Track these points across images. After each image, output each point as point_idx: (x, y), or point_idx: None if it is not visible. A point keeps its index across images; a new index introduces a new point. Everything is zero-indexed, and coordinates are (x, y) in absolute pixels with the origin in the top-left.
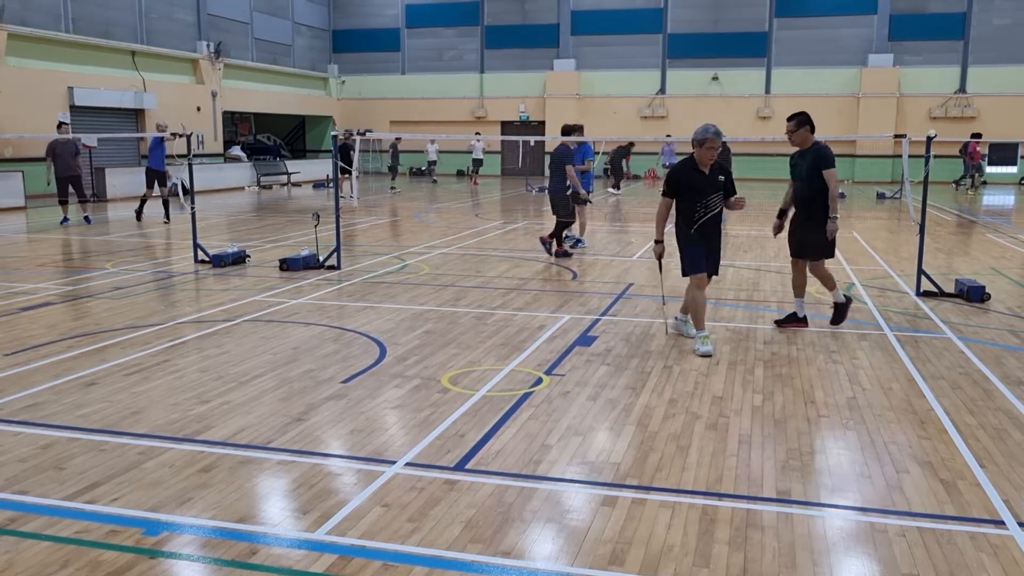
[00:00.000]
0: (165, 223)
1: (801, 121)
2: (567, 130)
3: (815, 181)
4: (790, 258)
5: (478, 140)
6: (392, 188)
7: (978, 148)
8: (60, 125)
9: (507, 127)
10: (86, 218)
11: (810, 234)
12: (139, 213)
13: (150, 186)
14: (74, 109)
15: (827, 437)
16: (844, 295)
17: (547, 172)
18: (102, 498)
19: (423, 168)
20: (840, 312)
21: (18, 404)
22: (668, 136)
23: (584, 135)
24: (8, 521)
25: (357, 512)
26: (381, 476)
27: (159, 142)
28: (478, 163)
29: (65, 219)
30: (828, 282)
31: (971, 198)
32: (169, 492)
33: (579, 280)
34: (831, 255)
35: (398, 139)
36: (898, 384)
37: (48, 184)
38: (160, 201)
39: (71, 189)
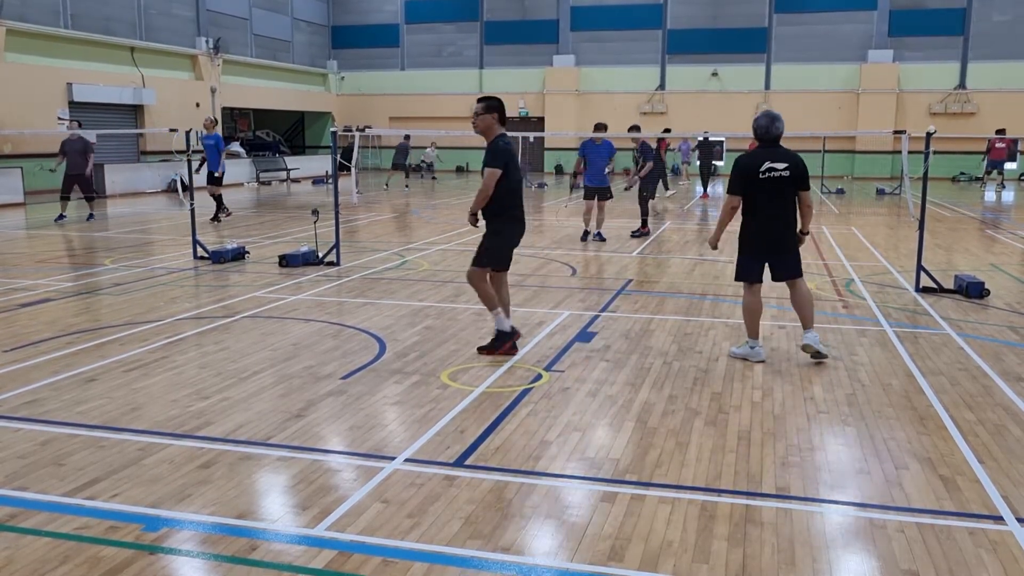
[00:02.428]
0: (214, 221)
1: (490, 106)
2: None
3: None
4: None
5: None
6: (406, 187)
7: (998, 144)
8: (69, 123)
9: (506, 123)
10: (89, 216)
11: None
12: (216, 216)
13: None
14: (73, 105)
15: (826, 433)
16: (511, 326)
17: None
18: (102, 494)
19: (420, 165)
20: (494, 342)
21: (17, 400)
22: (668, 130)
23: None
24: (8, 517)
25: (357, 508)
26: (381, 472)
27: (213, 141)
28: None
29: (61, 216)
30: (489, 300)
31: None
32: (169, 488)
33: (578, 276)
34: (500, 265)
35: (407, 137)
36: (897, 380)
37: (51, 171)
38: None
39: (76, 187)
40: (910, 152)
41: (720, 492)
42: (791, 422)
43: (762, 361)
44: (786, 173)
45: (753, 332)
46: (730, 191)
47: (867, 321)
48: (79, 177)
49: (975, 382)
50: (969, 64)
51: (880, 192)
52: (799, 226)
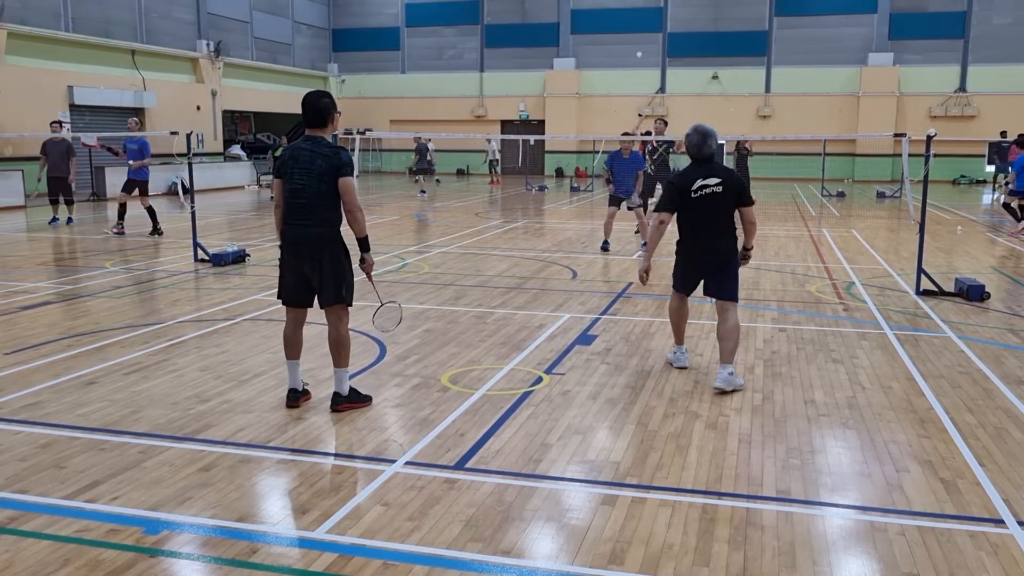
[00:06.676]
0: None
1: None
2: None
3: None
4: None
5: (491, 142)
6: (422, 192)
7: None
8: (52, 123)
9: (507, 126)
10: (69, 220)
11: (324, 268)
12: (121, 220)
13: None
14: (74, 108)
15: (827, 436)
16: (365, 394)
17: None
18: (102, 497)
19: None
20: (336, 400)
21: (18, 403)
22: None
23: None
24: (8, 520)
25: (357, 511)
26: (381, 475)
27: (137, 146)
28: (494, 163)
29: (54, 219)
30: (343, 351)
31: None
32: (169, 491)
33: (579, 279)
34: (348, 300)
35: (417, 138)
36: (898, 383)
37: (38, 182)
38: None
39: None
40: (910, 155)
41: (721, 495)
42: (792, 425)
43: (684, 367)
44: (719, 188)
45: (676, 338)
46: (658, 208)
47: (868, 324)
48: (59, 179)
49: (976, 385)
50: (969, 67)
51: (880, 195)
52: (743, 242)
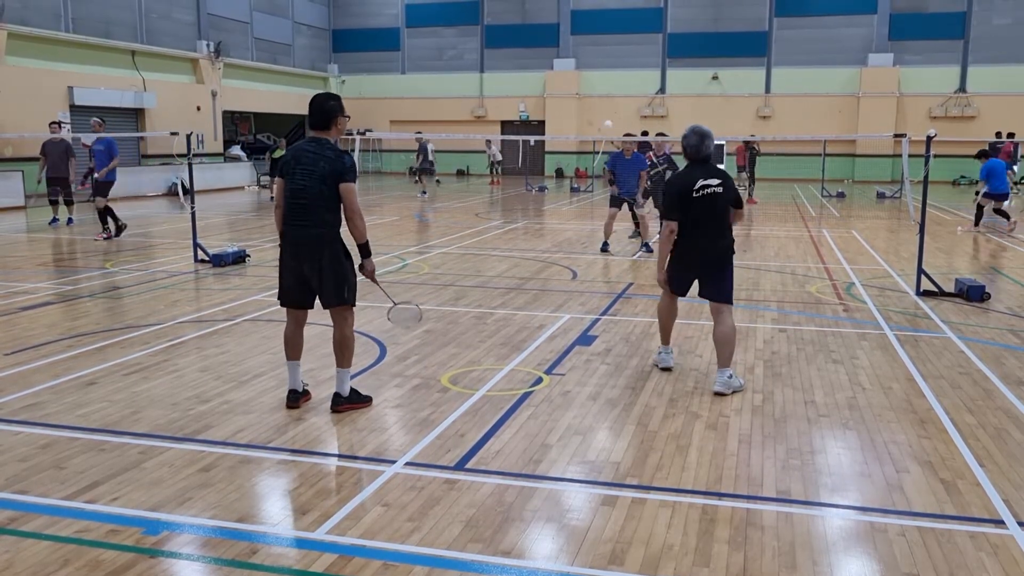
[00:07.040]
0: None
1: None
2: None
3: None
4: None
5: (491, 145)
6: (423, 192)
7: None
8: (51, 124)
9: (507, 127)
10: (69, 220)
11: (324, 268)
12: (106, 224)
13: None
14: (74, 109)
15: (827, 437)
16: (365, 394)
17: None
18: (102, 497)
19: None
20: (337, 401)
21: (18, 404)
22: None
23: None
24: (8, 520)
25: (357, 512)
26: (381, 476)
27: (104, 146)
28: (496, 163)
29: (54, 220)
30: (346, 352)
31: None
32: (169, 492)
33: (579, 280)
34: (351, 301)
35: (419, 136)
36: (898, 384)
37: (38, 183)
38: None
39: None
40: (910, 156)
41: (721, 495)
42: (792, 426)
43: (668, 368)
44: (719, 189)
45: (663, 337)
46: (667, 216)
47: (868, 324)
48: (59, 180)
49: (976, 386)
50: (969, 67)
51: (880, 195)
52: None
